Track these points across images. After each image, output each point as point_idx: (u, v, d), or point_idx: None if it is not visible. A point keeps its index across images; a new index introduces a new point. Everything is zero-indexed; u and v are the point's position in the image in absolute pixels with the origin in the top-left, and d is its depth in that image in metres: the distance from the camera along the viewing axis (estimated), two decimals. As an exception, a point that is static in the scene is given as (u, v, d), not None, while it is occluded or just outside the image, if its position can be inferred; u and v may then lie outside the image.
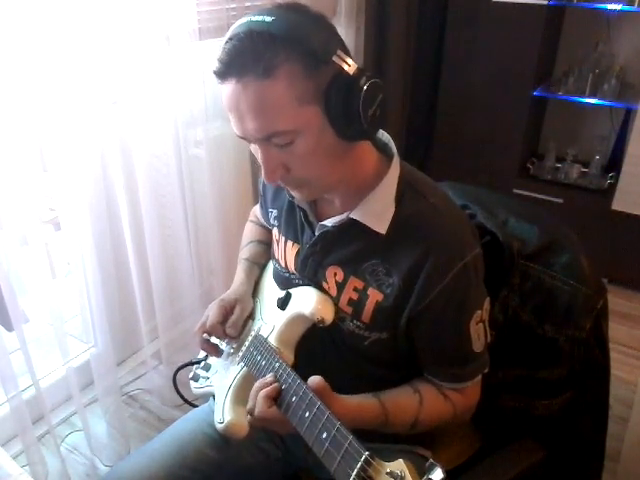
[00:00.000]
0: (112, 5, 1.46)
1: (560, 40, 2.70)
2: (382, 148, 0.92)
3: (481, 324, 0.90)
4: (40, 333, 1.94)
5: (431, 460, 0.61)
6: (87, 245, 1.62)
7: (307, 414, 0.75)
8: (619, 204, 2.35)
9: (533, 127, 2.78)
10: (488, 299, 0.92)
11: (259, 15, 0.75)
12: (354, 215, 0.87)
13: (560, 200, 2.53)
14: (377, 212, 0.87)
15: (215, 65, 0.76)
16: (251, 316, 1.06)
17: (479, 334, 0.89)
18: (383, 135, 0.93)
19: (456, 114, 2.74)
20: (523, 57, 2.48)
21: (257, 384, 0.85)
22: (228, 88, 0.77)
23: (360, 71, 0.76)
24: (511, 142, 2.64)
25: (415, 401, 0.89)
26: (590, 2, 2.37)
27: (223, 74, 0.76)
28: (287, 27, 0.74)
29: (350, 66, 0.76)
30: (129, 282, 1.82)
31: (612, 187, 2.43)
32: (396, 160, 0.89)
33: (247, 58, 0.73)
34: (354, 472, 0.65)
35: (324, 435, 0.71)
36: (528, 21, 2.40)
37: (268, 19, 0.74)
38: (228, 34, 0.78)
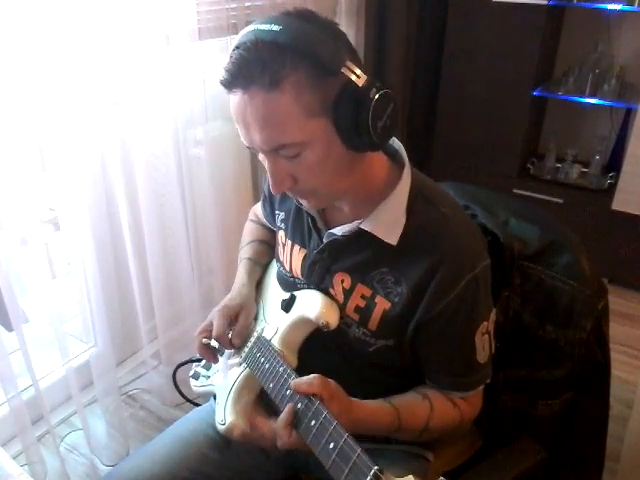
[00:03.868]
0: (112, 5, 1.46)
1: (560, 40, 2.70)
2: (393, 155, 0.91)
3: (487, 335, 0.90)
4: (40, 333, 1.93)
5: (442, 478, 0.61)
6: (87, 245, 1.62)
7: (313, 422, 0.74)
8: (619, 204, 2.35)
9: (533, 127, 2.78)
10: (494, 310, 0.92)
11: (266, 23, 0.73)
12: (365, 226, 0.86)
13: (560, 200, 2.53)
14: (388, 223, 0.86)
15: (222, 74, 0.75)
16: (254, 317, 1.06)
17: (484, 345, 0.90)
18: (394, 142, 0.91)
19: (456, 114, 2.74)
20: (523, 57, 2.48)
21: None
22: (235, 98, 0.75)
23: (370, 82, 0.75)
24: (511, 142, 2.64)
25: (426, 407, 0.89)
26: (590, 2, 2.37)
27: (229, 84, 0.75)
28: (295, 37, 0.72)
29: (359, 77, 0.74)
30: (129, 282, 1.81)
31: (612, 187, 2.43)
32: (407, 169, 0.88)
33: (253, 69, 0.72)
34: None
35: (331, 445, 0.70)
36: (528, 21, 2.40)
37: (275, 28, 0.72)
38: (235, 42, 0.76)
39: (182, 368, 1.18)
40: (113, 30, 1.48)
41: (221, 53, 1.86)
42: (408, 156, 0.90)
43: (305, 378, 0.79)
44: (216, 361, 1.05)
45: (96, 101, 1.52)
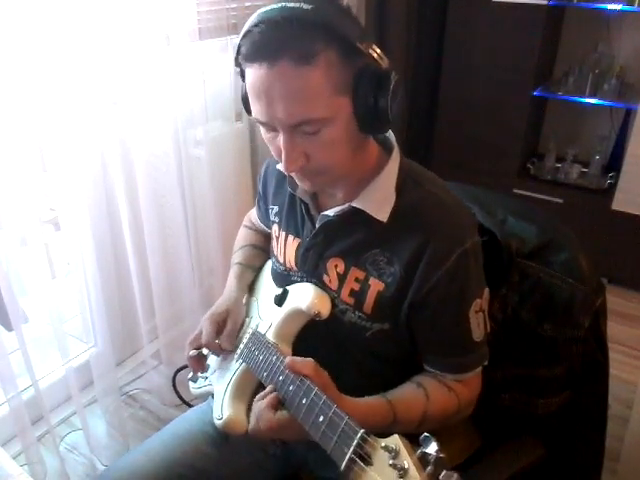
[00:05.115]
0: (112, 5, 1.46)
1: (560, 40, 2.70)
2: (381, 140, 0.93)
3: (481, 313, 0.90)
4: (40, 333, 1.93)
5: (425, 433, 0.62)
6: (87, 245, 1.62)
7: (304, 401, 0.76)
8: (619, 204, 2.35)
9: (533, 127, 2.78)
10: (487, 289, 0.93)
11: (295, 2, 0.75)
12: (356, 203, 0.88)
13: (560, 200, 2.53)
14: (378, 200, 0.88)
15: (245, 47, 0.76)
16: (243, 325, 1.07)
17: (479, 323, 0.90)
18: None
19: (456, 114, 2.74)
20: (523, 57, 2.48)
21: (256, 400, 0.85)
22: (257, 72, 0.75)
23: (391, 66, 0.78)
24: (511, 142, 2.64)
25: (421, 396, 0.89)
26: (590, 2, 2.37)
27: (254, 57, 0.75)
28: (326, 15, 0.74)
29: (383, 59, 0.78)
30: (129, 282, 1.82)
31: (612, 187, 2.43)
32: (396, 151, 0.91)
33: (285, 43, 0.73)
34: (350, 449, 0.66)
35: (320, 419, 0.72)
36: (528, 21, 2.40)
37: (306, 6, 0.74)
38: (254, 19, 0.76)
39: (182, 370, 1.18)
40: (113, 30, 1.49)
41: (221, 53, 1.87)
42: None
43: (300, 358, 0.82)
44: (204, 370, 1.07)
45: (96, 101, 1.53)
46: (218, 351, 1.03)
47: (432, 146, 2.88)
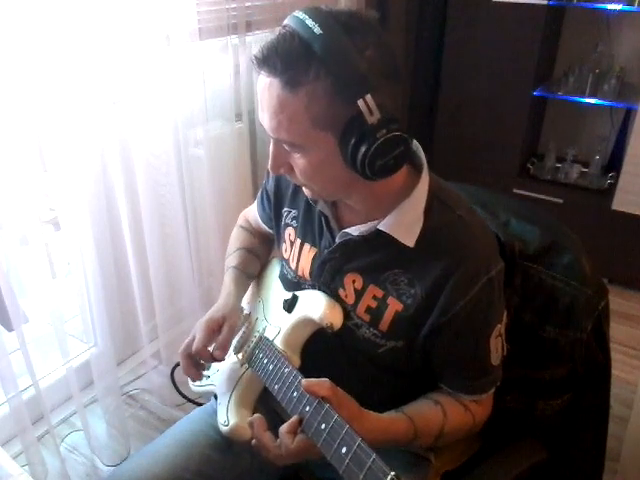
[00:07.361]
0: (112, 5, 1.46)
1: (560, 40, 2.70)
2: (411, 157, 0.89)
3: (500, 338, 0.90)
4: (40, 333, 1.93)
5: None
6: (87, 245, 1.62)
7: (323, 426, 0.74)
8: (619, 204, 2.35)
9: (533, 127, 2.78)
10: (506, 312, 0.92)
11: (312, 20, 0.71)
12: (382, 227, 0.86)
13: (560, 200, 2.53)
14: (406, 225, 0.85)
15: (258, 51, 0.76)
16: (250, 327, 1.05)
17: (497, 347, 0.90)
18: (412, 143, 0.88)
19: (456, 114, 2.74)
20: (523, 57, 2.48)
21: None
22: (260, 78, 0.77)
23: (383, 121, 0.72)
24: (511, 142, 2.64)
25: (439, 413, 0.88)
26: (590, 2, 2.37)
27: (259, 64, 0.75)
28: (330, 49, 0.70)
29: (373, 115, 0.72)
30: (129, 282, 1.81)
31: (612, 187, 2.43)
32: (425, 171, 0.88)
33: (279, 62, 0.72)
34: None
35: (343, 450, 0.69)
36: (528, 21, 2.40)
37: (317, 31, 0.70)
38: (286, 19, 0.75)
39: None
40: (113, 30, 1.48)
41: (221, 53, 1.87)
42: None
43: (316, 379, 0.79)
44: (200, 379, 1.03)
45: (96, 101, 1.52)
46: (209, 360, 0.98)
47: (432, 146, 2.88)
